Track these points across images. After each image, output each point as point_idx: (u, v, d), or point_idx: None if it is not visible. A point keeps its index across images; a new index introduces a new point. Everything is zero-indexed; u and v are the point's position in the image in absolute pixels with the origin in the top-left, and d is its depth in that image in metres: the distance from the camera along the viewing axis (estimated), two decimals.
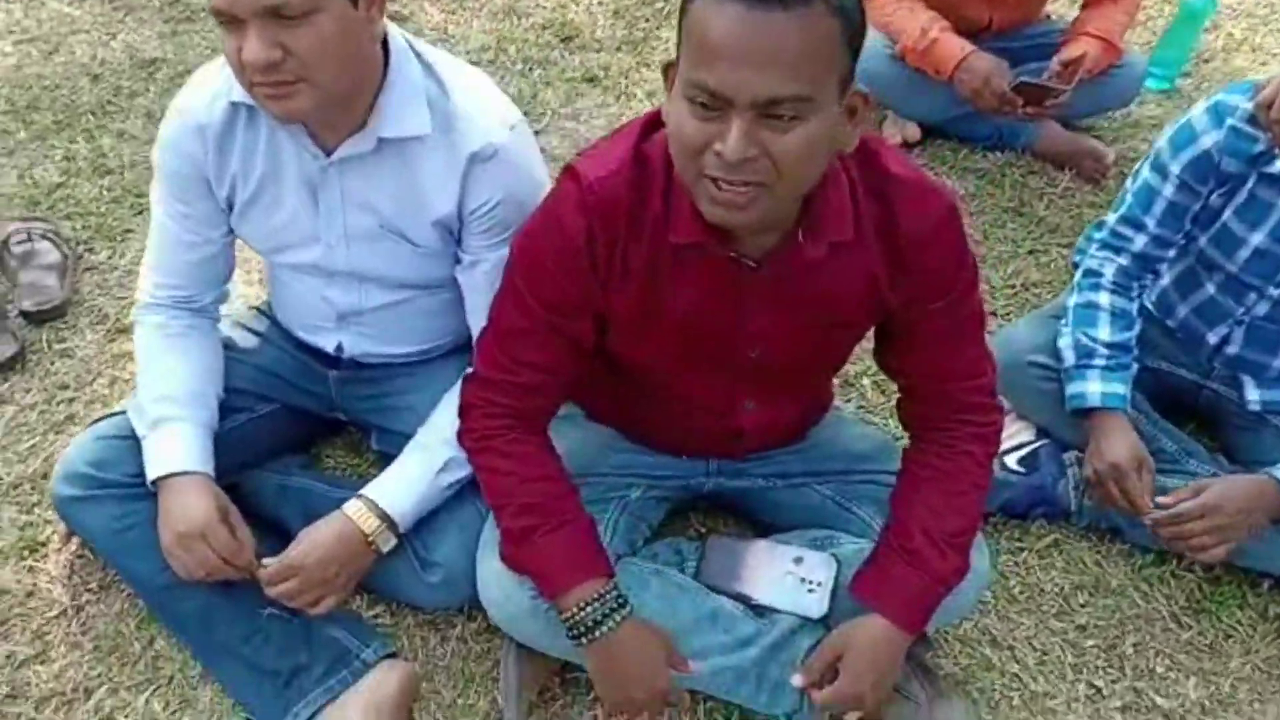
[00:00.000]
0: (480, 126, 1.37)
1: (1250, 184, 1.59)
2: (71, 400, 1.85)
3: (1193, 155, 1.61)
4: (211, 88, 1.37)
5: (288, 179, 1.41)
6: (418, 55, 1.38)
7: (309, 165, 1.39)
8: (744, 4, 0.98)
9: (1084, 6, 2.52)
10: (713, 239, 1.18)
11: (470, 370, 1.38)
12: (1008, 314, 2.16)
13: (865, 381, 2.00)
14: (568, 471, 1.36)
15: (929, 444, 1.39)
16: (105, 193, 2.27)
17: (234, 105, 1.36)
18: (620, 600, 1.29)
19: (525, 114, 2.58)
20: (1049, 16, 2.71)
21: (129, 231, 2.16)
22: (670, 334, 1.29)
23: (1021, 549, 1.74)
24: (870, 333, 1.38)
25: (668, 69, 1.11)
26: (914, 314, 1.29)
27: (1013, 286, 2.23)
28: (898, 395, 1.44)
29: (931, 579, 1.32)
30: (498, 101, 1.43)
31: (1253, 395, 1.75)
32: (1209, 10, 2.78)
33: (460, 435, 1.38)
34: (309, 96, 1.23)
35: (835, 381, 1.97)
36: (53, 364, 1.90)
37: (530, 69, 2.78)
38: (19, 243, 2.02)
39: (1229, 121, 1.57)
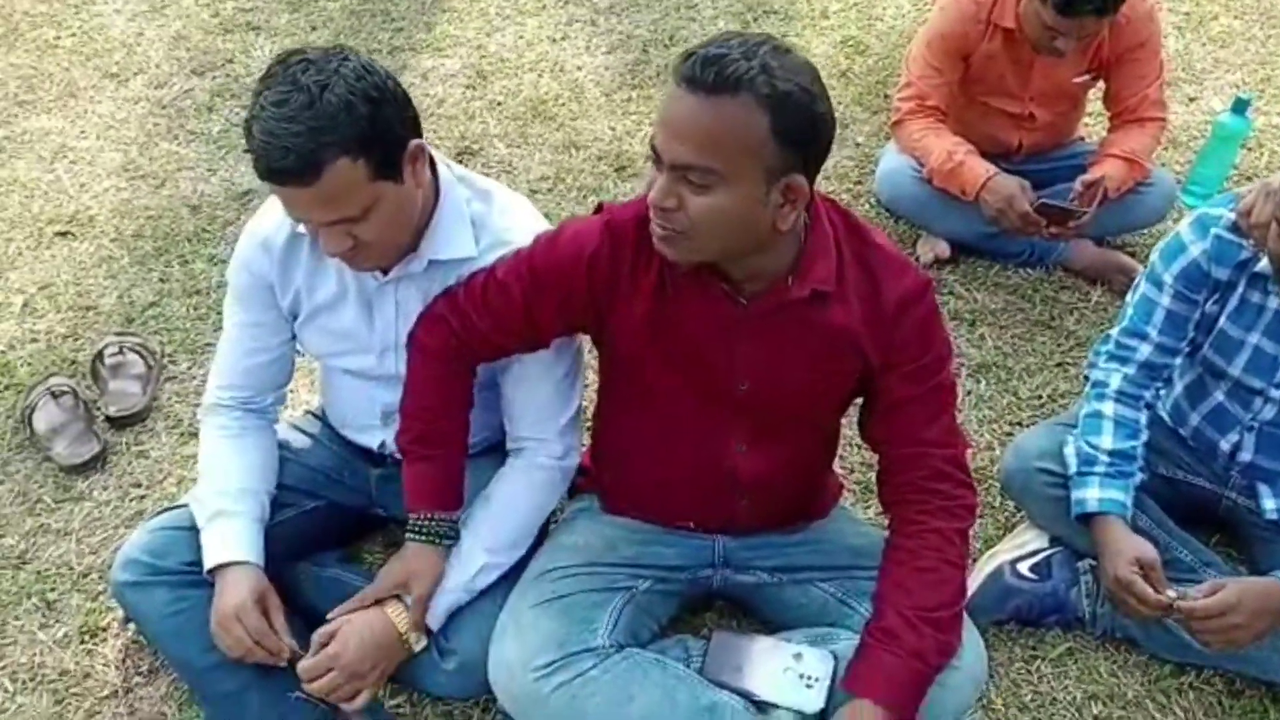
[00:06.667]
0: (514, 237, 1.54)
1: (1241, 289, 1.64)
2: (143, 497, 2.02)
3: (1183, 265, 1.67)
4: (279, 214, 1.54)
5: (349, 295, 1.59)
6: (466, 181, 1.57)
7: (368, 283, 1.57)
8: (682, 87, 1.21)
9: (1111, 129, 2.60)
10: (706, 270, 1.37)
11: (451, 286, 1.53)
12: (1032, 424, 2.19)
13: None
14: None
15: (900, 524, 1.48)
16: (192, 310, 2.50)
17: (297, 234, 1.55)
18: (453, 533, 1.57)
19: None
20: (1082, 139, 2.80)
21: (209, 345, 2.37)
22: (673, 350, 1.45)
23: (1035, 656, 1.73)
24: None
25: None
26: (891, 378, 1.44)
27: (1039, 398, 2.26)
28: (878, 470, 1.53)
29: (908, 654, 1.39)
30: (530, 216, 1.61)
31: (1269, 504, 1.74)
32: (1243, 130, 2.83)
33: (411, 333, 1.55)
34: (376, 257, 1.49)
35: (854, 488, 2.04)
36: (130, 464, 2.09)
37: (585, 196, 2.97)
38: (111, 355, 2.25)
39: (1213, 230, 1.63)
